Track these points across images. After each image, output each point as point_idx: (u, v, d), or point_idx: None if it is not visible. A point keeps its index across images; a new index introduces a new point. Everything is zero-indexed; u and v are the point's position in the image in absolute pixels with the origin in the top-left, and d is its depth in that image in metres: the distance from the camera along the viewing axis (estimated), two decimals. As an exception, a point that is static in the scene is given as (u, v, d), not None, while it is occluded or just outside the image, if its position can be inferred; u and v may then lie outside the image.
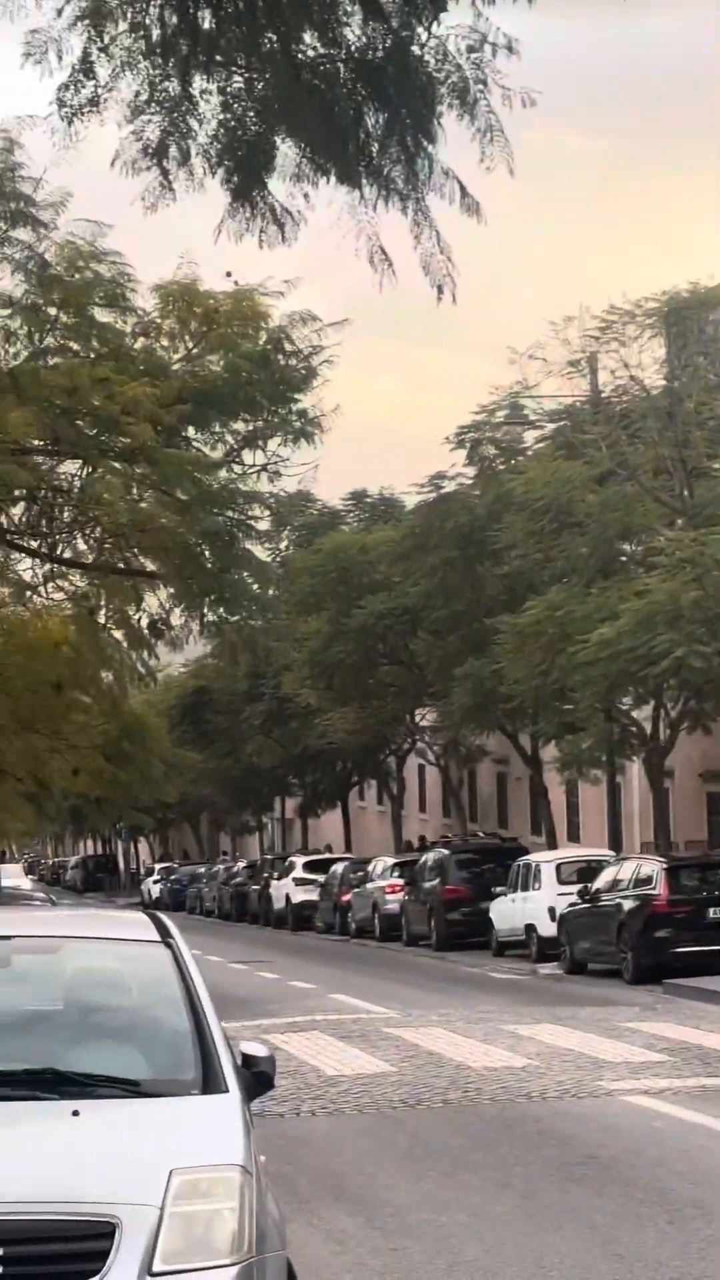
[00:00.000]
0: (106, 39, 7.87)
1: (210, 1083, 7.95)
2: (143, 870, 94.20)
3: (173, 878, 75.44)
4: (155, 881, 77.64)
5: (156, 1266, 6.89)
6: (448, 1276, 9.60)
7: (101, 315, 14.61)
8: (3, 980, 8.84)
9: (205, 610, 15.53)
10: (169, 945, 8.94)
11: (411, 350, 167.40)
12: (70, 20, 7.90)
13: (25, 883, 44.78)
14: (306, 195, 8.05)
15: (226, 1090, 7.87)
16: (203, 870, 73.83)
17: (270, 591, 16.49)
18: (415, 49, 7.63)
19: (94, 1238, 6.90)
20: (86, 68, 7.89)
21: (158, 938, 9.01)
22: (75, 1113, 7.59)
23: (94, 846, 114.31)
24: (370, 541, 48.78)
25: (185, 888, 71.94)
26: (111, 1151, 7.36)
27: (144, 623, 16.89)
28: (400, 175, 7.78)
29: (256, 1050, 8.47)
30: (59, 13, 7.95)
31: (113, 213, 14.87)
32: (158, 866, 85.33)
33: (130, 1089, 7.95)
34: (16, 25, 7.90)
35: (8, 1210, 6.89)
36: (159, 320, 15.28)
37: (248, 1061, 8.30)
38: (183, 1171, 7.15)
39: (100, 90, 7.98)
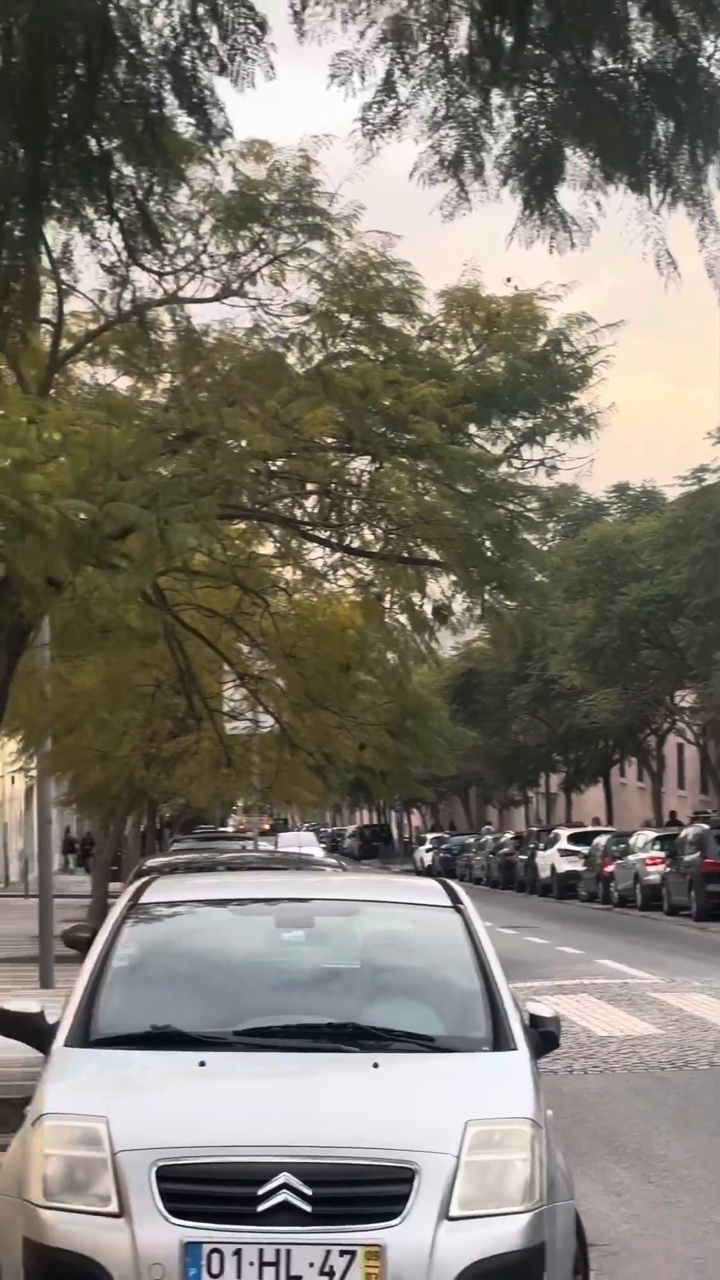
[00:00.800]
0: (408, 59, 7.85)
1: (500, 1040, 7.95)
2: (415, 839, 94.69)
3: (444, 847, 75.82)
4: (427, 850, 78.01)
5: (453, 1211, 6.90)
6: (723, 1232, 9.54)
7: (390, 321, 14.60)
8: (306, 940, 8.94)
9: (486, 596, 15.48)
10: (459, 910, 8.94)
11: (676, 349, 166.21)
12: (374, 43, 7.89)
13: (318, 850, 45.16)
14: (599, 203, 7.97)
15: (516, 1048, 7.86)
16: (472, 840, 74.12)
17: (542, 578, 16.37)
18: (703, 61, 7.52)
19: (395, 1182, 6.94)
20: (389, 87, 7.88)
21: (449, 903, 9.02)
22: (375, 1065, 7.63)
23: (369, 817, 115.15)
24: (634, 532, 48.93)
25: (455, 856, 72.23)
26: (410, 1102, 7.39)
27: (428, 608, 16.90)
28: (687, 182, 7.68)
29: (543, 1011, 8.46)
30: (362, 35, 7.95)
31: (400, 223, 14.92)
32: (430, 836, 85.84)
33: (425, 1044, 7.97)
34: (324, 48, 7.91)
35: (316, 1154, 6.96)
36: (444, 324, 15.25)
37: (534, 1021, 8.28)
38: (477, 1123, 7.15)
39: (401, 108, 7.97)
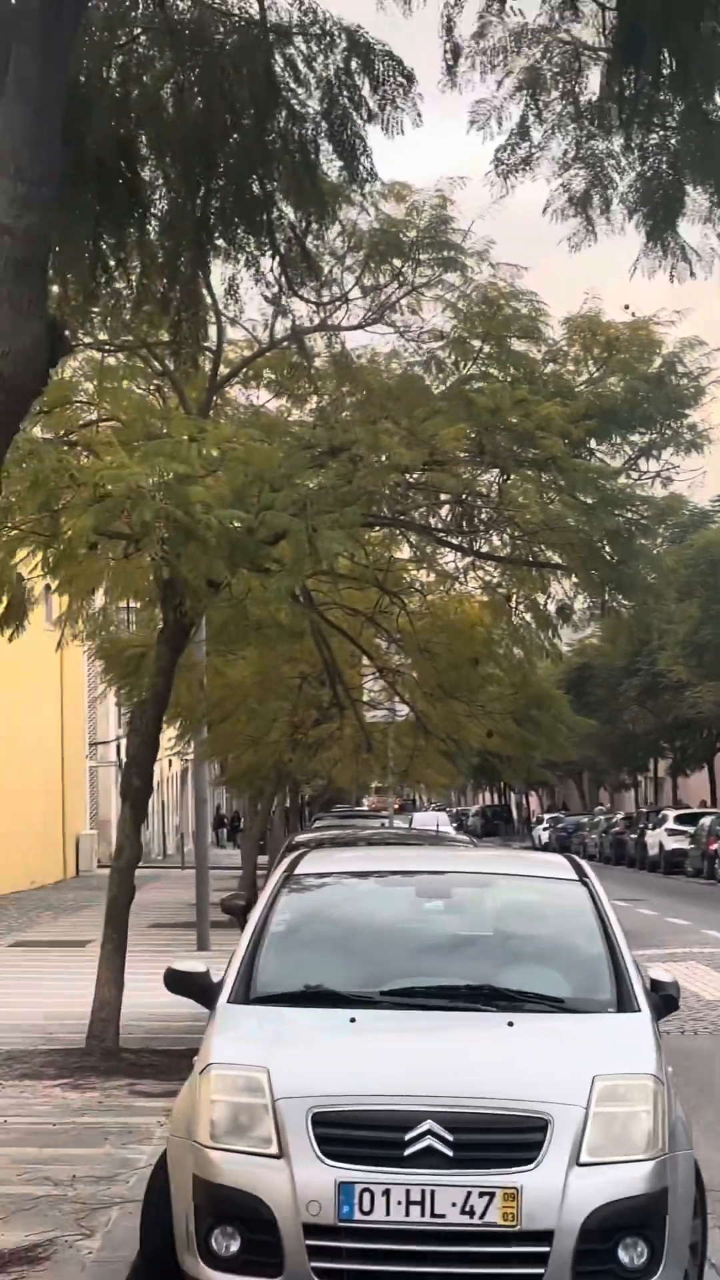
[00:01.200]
0: (541, 105, 7.84)
1: (624, 1002, 7.93)
2: (532, 819, 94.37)
3: (559, 826, 75.52)
4: (544, 829, 77.72)
5: (583, 1158, 6.90)
6: None
7: (518, 345, 14.55)
8: (445, 909, 8.95)
9: (605, 597, 15.40)
10: (585, 883, 8.92)
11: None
12: (510, 91, 7.88)
13: (449, 829, 45.12)
14: (719, 234, 7.93)
15: (639, 1010, 7.85)
16: (585, 820, 73.81)
17: (656, 580, 16.24)
18: None
19: (530, 1131, 6.95)
20: (523, 131, 7.88)
21: (575, 876, 9.00)
22: (510, 1024, 7.65)
23: (490, 797, 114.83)
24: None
25: (570, 835, 71.89)
26: (542, 1058, 7.39)
27: (552, 608, 16.84)
28: None
29: (663, 976, 8.43)
30: (499, 84, 7.94)
31: (527, 254, 14.87)
32: (546, 816, 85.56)
33: (555, 1005, 7.98)
34: (464, 97, 7.90)
35: (458, 1104, 6.98)
36: (566, 348, 15.16)
37: (655, 986, 8.27)
38: (604, 1078, 7.14)
39: (534, 150, 7.96)
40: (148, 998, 15.17)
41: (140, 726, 15.38)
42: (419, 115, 7.44)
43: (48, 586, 16.25)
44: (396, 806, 54.95)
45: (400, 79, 7.18)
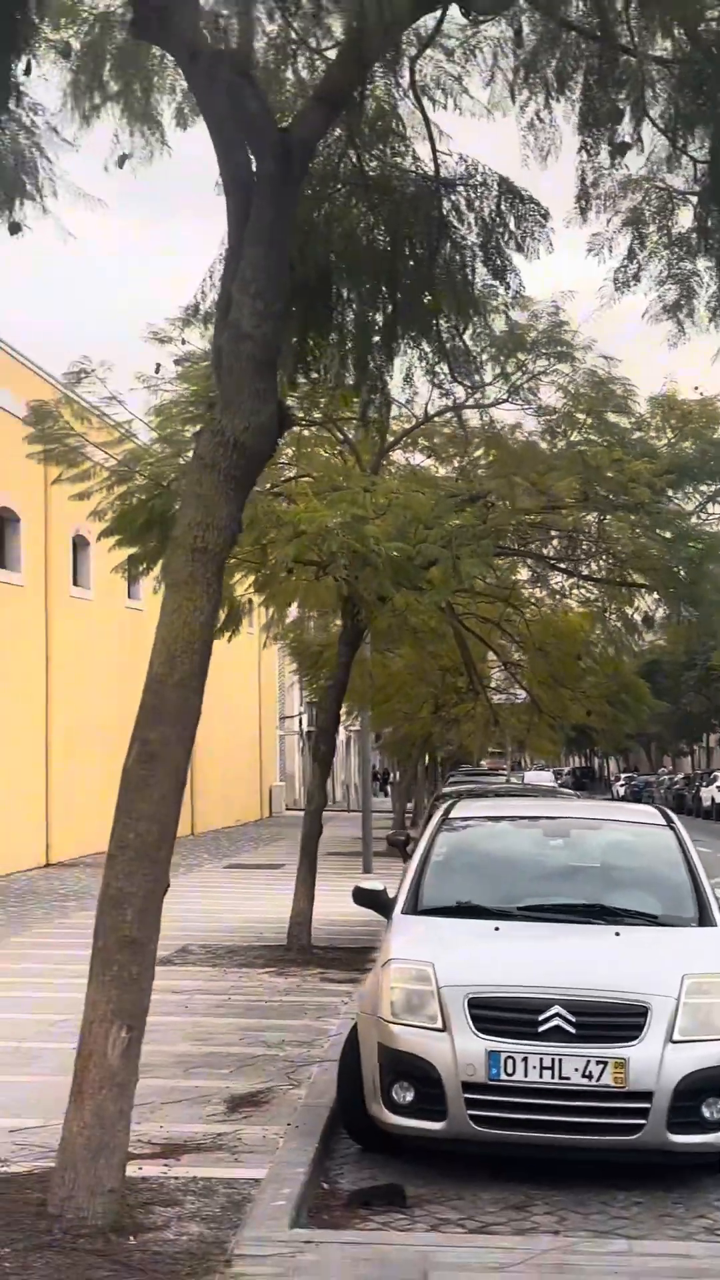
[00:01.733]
0: (643, 236, 7.76)
1: (704, 919, 7.83)
2: (611, 778, 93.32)
3: (633, 783, 74.49)
4: (621, 785, 76.77)
5: (675, 1037, 6.83)
6: None
7: (613, 417, 14.40)
8: (564, 846, 8.89)
9: (681, 609, 15.17)
10: (672, 828, 8.81)
11: None
12: (618, 226, 7.80)
13: (555, 785, 44.77)
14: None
15: (716, 925, 7.75)
16: (652, 779, 72.83)
17: (717, 597, 15.96)
18: None
19: (634, 1015, 6.88)
20: (630, 256, 7.79)
21: (664, 823, 8.90)
22: (617, 934, 7.57)
23: (578, 760, 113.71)
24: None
25: (641, 790, 70.86)
26: (643, 960, 7.31)
27: (638, 617, 16.65)
28: None
29: (733, 899, 8.29)
30: (609, 221, 7.87)
31: (618, 346, 14.71)
32: (622, 775, 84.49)
33: (650, 920, 7.88)
34: (583, 231, 7.83)
35: (578, 994, 6.93)
36: (649, 419, 14.98)
37: (727, 906, 8.12)
38: (691, 976, 7.05)
39: (638, 270, 7.87)
40: (328, 909, 15.26)
41: (326, 705, 15.52)
42: (551, 244, 7.38)
43: (249, 601, 16.41)
44: (508, 767, 54.61)
45: (539, 216, 7.12)
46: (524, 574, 17.37)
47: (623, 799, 67.44)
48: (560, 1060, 6.76)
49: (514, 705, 23.66)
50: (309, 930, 14.28)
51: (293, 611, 20.73)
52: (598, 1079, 6.74)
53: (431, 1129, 6.89)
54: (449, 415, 15.19)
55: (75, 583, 27.31)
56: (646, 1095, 6.72)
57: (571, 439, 14.60)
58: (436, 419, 15.70)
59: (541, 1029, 6.85)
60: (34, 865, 24.86)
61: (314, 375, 7.94)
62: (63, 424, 13.95)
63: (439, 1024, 6.93)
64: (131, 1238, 5.63)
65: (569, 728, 24.34)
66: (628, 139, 6.98)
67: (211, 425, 6.18)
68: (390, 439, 15.63)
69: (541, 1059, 6.77)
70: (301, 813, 15.60)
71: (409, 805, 37.39)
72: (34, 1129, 7.28)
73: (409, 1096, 6.93)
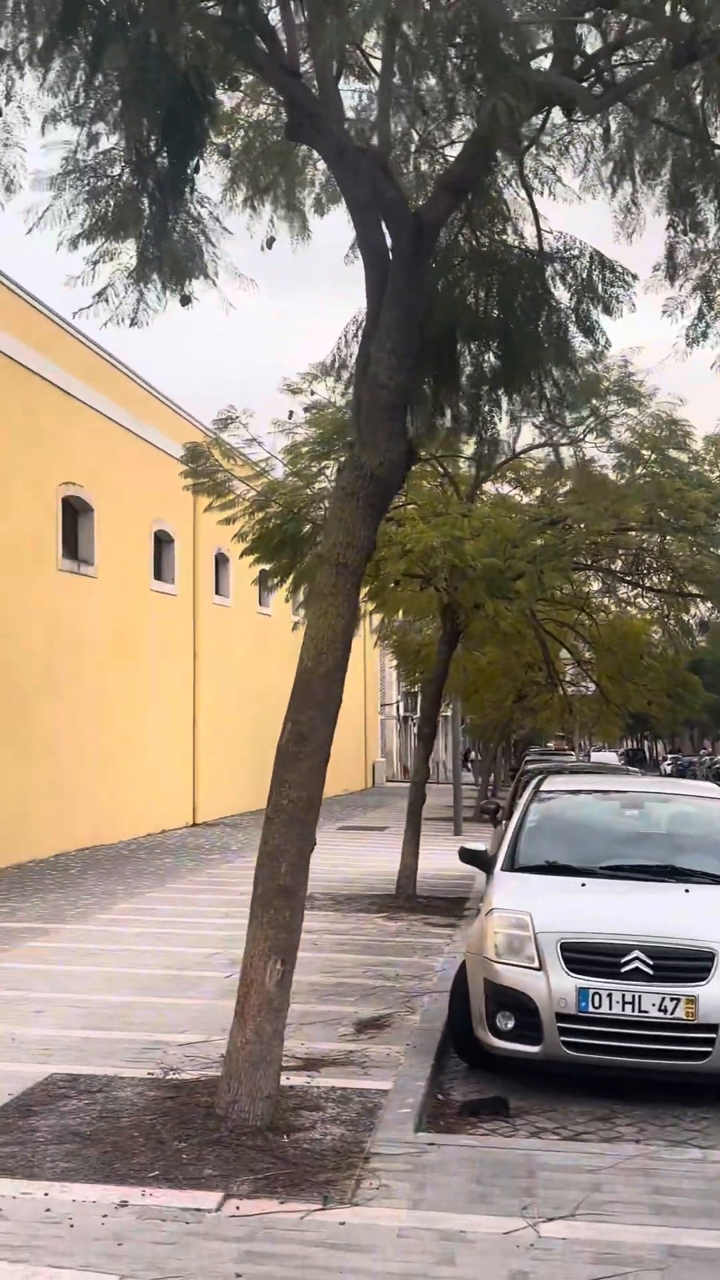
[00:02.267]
0: (712, 299, 7.61)
1: (763, 880, 7.66)
2: (659, 758, 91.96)
3: (678, 763, 73.22)
4: (667, 765, 75.59)
5: (740, 980, 6.68)
6: None
7: (673, 453, 14.19)
8: (639, 815, 8.77)
9: (729, 616, 14.97)
10: (731, 801, 8.63)
11: None
12: (689, 290, 7.65)
13: (621, 764, 44.20)
14: None
15: (774, 885, 7.57)
16: (694, 759, 71.59)
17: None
18: None
19: (703, 959, 6.76)
20: (700, 316, 7.63)
21: (724, 797, 8.72)
22: (686, 890, 7.44)
23: (631, 743, 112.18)
24: None
25: (685, 769, 69.69)
26: (710, 913, 7.18)
27: (694, 622, 16.42)
28: None
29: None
30: (680, 287, 7.72)
31: (680, 388, 14.47)
32: (669, 755, 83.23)
33: (715, 880, 7.74)
34: (655, 295, 7.70)
35: (655, 941, 6.83)
36: (705, 454, 14.75)
37: (780, 869, 7.94)
38: None
39: (706, 328, 7.72)
40: (428, 864, 15.22)
41: (429, 695, 15.50)
42: (633, 305, 7.27)
43: (362, 607, 16.42)
44: (569, 748, 54.03)
45: (627, 279, 7.03)
46: (596, 585, 17.19)
47: (669, 776, 66.56)
48: (640, 997, 6.68)
49: (584, 696, 23.44)
50: (414, 882, 14.25)
51: (400, 616, 20.73)
52: (671, 1013, 6.64)
53: (529, 1051, 6.84)
54: (533, 450, 15.07)
55: (217, 592, 27.65)
56: (713, 1027, 6.61)
57: (638, 472, 14.41)
58: (521, 455, 15.59)
59: (624, 970, 6.76)
60: (183, 824, 25.14)
61: (439, 421, 7.90)
62: (212, 462, 14.11)
63: (536, 964, 6.87)
64: (285, 1136, 5.66)
65: (629, 715, 24.08)
66: (701, 219, 6.86)
67: (352, 461, 6.19)
68: (484, 473, 15.55)
69: (624, 995, 6.69)
70: (398, 784, 15.59)
71: (491, 779, 37.23)
72: (198, 1043, 7.35)
73: (510, 1024, 6.89)
